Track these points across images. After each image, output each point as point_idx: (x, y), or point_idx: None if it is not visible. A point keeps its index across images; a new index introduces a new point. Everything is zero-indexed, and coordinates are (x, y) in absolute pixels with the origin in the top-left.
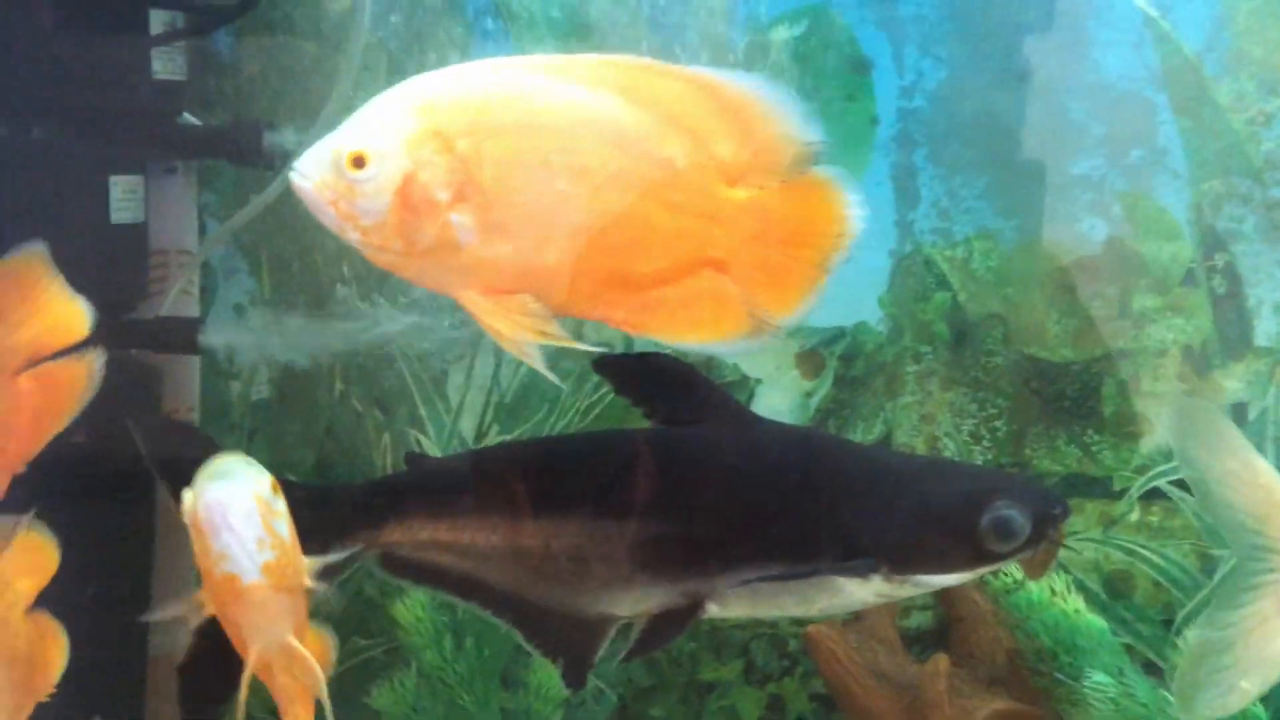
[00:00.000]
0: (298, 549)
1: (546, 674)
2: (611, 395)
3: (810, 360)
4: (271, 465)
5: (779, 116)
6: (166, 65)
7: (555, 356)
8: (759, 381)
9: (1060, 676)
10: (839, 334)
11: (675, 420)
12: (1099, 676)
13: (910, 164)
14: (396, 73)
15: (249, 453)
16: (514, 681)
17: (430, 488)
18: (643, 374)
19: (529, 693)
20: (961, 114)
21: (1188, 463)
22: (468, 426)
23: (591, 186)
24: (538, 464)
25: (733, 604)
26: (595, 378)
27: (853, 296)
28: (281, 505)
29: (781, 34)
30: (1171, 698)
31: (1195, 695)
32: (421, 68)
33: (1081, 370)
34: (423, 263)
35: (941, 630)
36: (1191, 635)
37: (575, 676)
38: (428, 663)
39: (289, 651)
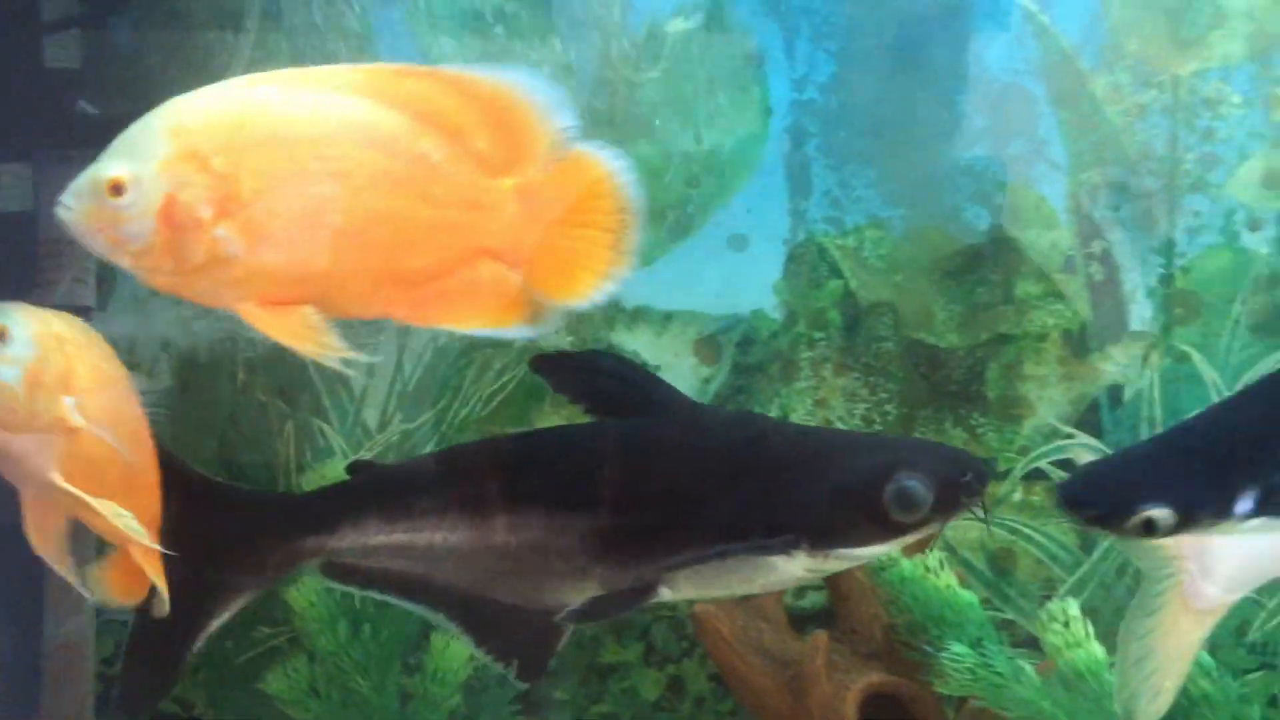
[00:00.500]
0: (35, 396)
1: (445, 658)
2: (514, 382)
3: (708, 347)
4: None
5: (531, 106)
6: (59, 54)
7: (465, 343)
8: (657, 368)
9: (928, 649)
10: (736, 321)
11: (615, 413)
12: (957, 647)
13: (803, 154)
14: (299, 60)
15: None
16: (413, 666)
17: (385, 491)
18: (581, 371)
19: (427, 677)
20: (852, 105)
21: None
22: (371, 415)
23: (351, 189)
24: (496, 463)
25: (681, 586)
26: (498, 365)
27: (748, 284)
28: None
29: (676, 26)
30: (1028, 667)
31: (1134, 704)
32: (325, 56)
33: (967, 355)
34: (197, 280)
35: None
36: (1118, 649)
37: (532, 670)
38: (322, 648)
39: (57, 489)
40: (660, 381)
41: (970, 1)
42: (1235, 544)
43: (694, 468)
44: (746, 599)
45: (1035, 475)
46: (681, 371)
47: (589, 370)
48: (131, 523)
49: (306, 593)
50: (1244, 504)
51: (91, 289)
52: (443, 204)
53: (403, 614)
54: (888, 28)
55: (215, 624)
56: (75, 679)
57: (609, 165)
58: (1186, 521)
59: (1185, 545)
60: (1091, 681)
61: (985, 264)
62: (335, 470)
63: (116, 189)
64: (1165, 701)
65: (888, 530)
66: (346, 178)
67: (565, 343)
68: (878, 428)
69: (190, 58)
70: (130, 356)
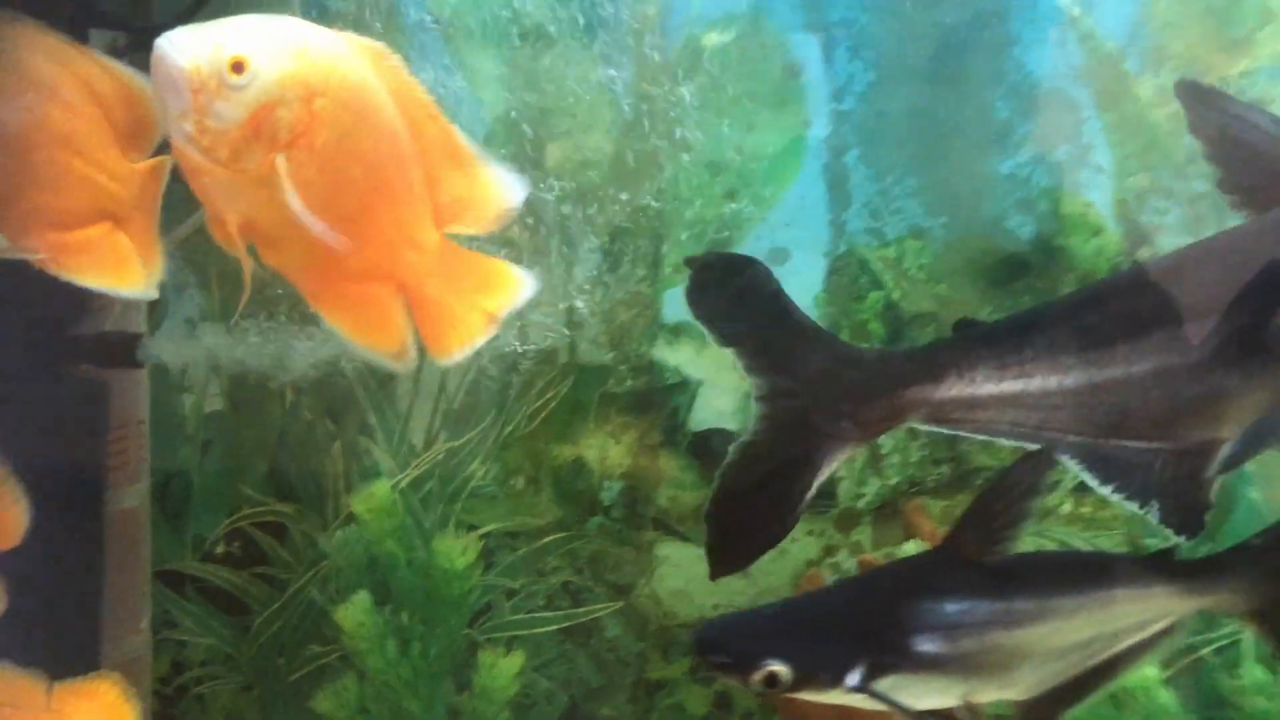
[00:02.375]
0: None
1: (493, 675)
2: (557, 399)
3: None
4: (226, 474)
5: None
6: None
7: (502, 367)
8: (700, 383)
9: None
10: None
11: None
12: None
13: (842, 165)
14: None
15: (203, 465)
16: (462, 683)
17: (995, 339)
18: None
19: (475, 694)
20: (891, 115)
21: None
22: (417, 434)
23: (385, 184)
24: (1113, 291)
25: None
26: (540, 383)
27: (791, 297)
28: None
29: (713, 40)
30: None
31: None
32: None
33: None
34: (223, 181)
35: None
36: None
37: (1190, 523)
38: (371, 667)
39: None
40: None
41: (1010, 6)
42: None
43: None
44: None
45: (1085, 487)
46: (724, 386)
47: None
48: None
49: (355, 612)
50: (853, 677)
51: (143, 313)
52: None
53: (452, 631)
54: (926, 35)
55: (823, 474)
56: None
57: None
58: (803, 682)
59: None
60: (1143, 700)
61: (1030, 272)
62: (382, 489)
63: (238, 68)
64: None
65: None
66: (389, 174)
67: (607, 358)
68: (922, 440)
69: None
70: (181, 379)
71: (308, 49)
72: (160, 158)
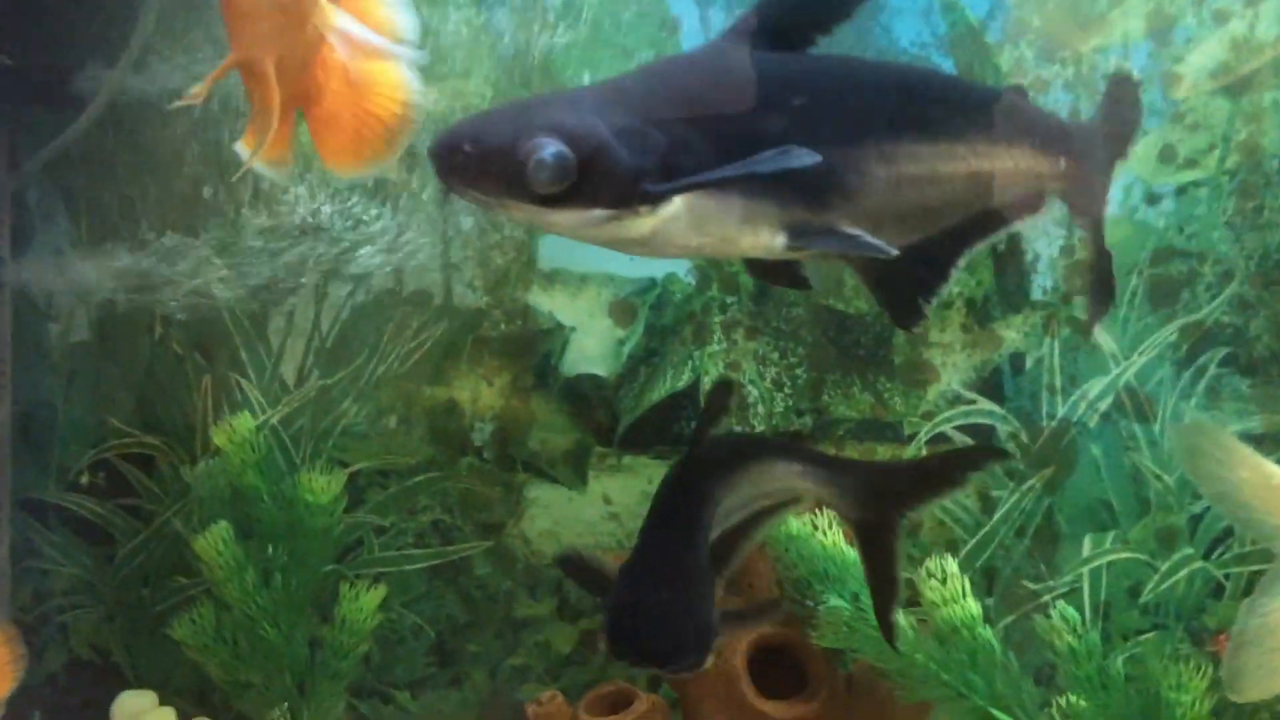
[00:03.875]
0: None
1: (354, 608)
2: (431, 340)
3: (623, 309)
4: (92, 405)
5: None
6: None
7: (378, 305)
8: (573, 329)
9: (809, 603)
10: (650, 284)
11: None
12: (834, 601)
13: None
14: (209, 14)
15: (69, 395)
16: (327, 616)
17: None
18: None
19: (337, 626)
20: None
21: (1203, 480)
22: (289, 371)
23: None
24: None
25: None
26: (415, 324)
27: None
28: None
29: None
30: (903, 621)
31: (1243, 678)
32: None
33: (874, 321)
34: (269, 27)
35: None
36: (1236, 624)
37: None
38: (230, 596)
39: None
40: None
41: None
42: None
43: None
44: None
45: (939, 439)
46: (596, 332)
47: None
48: None
49: (214, 541)
50: None
51: (5, 239)
52: None
53: (315, 565)
54: None
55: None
56: None
57: None
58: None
59: None
60: (966, 635)
61: None
62: (245, 421)
63: None
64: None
65: None
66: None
67: (481, 302)
68: (787, 392)
69: (101, 7)
70: (47, 308)
71: None
72: None
